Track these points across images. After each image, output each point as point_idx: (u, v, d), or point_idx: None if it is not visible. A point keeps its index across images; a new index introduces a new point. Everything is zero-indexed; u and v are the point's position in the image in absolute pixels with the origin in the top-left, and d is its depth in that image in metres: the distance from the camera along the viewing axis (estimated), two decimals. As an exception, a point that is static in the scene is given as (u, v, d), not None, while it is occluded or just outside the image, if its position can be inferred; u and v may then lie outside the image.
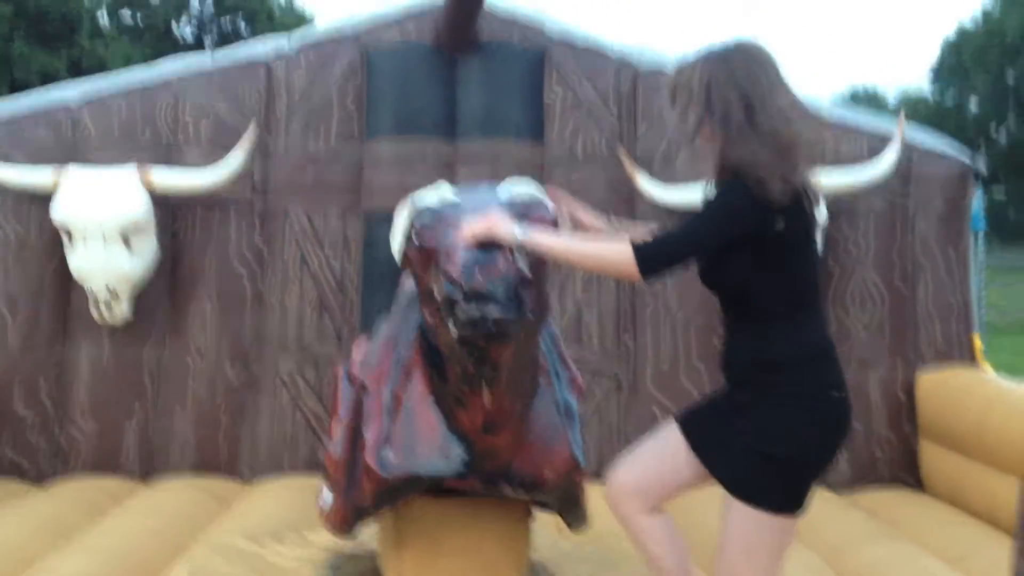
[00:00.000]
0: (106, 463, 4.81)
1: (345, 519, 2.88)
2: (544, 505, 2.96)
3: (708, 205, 2.46)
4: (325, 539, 3.57)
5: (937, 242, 5.09)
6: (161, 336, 4.91)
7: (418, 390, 2.74)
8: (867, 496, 4.79)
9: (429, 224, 2.55)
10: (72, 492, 4.45)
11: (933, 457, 4.78)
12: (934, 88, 42.81)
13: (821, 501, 4.54)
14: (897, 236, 5.08)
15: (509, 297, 2.30)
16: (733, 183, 2.40)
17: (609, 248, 2.41)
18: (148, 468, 4.85)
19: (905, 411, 4.97)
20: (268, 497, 4.43)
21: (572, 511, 2.93)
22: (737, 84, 2.40)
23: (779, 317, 2.48)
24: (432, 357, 2.68)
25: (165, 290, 4.90)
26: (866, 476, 4.94)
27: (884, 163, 4.85)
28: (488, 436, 2.62)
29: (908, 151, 5.04)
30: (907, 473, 4.94)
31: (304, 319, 4.96)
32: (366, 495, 2.76)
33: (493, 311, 2.28)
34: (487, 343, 2.35)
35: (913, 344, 5.03)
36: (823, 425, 2.44)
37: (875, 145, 5.03)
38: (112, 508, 4.27)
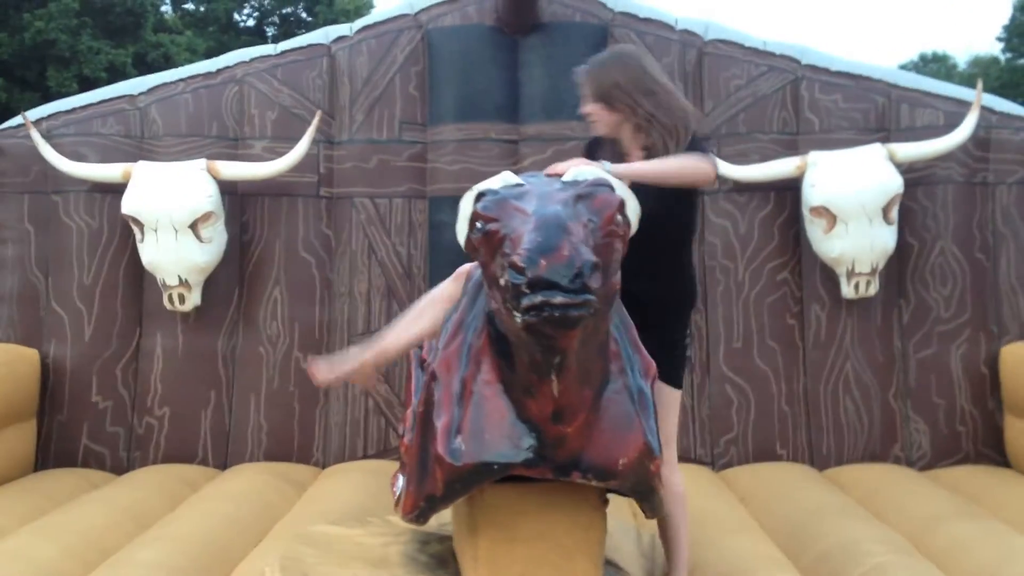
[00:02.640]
0: (182, 452, 4.89)
1: (416, 507, 2.87)
2: (619, 492, 2.92)
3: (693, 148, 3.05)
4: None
5: (1018, 211, 4.91)
6: (233, 325, 4.97)
7: (487, 378, 2.71)
8: (950, 472, 4.67)
9: (492, 209, 2.51)
10: (150, 481, 4.53)
11: (1019, 432, 4.62)
12: (1005, 50, 41.55)
13: (904, 478, 4.47)
14: (977, 206, 4.91)
15: (574, 283, 2.26)
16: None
17: (688, 161, 2.97)
18: (223, 456, 4.92)
19: (989, 386, 4.82)
20: (343, 482, 4.45)
21: (648, 498, 2.88)
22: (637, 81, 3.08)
23: (687, 261, 3.23)
24: (500, 345, 2.65)
25: (236, 280, 4.96)
26: (949, 452, 4.81)
27: (962, 131, 4.69)
28: (558, 425, 2.58)
29: (985, 118, 4.87)
30: (992, 449, 4.80)
31: (372, 305, 4.97)
32: (437, 484, 2.75)
33: (558, 298, 2.24)
34: (553, 331, 2.31)
35: (996, 317, 4.87)
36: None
37: (952, 113, 4.87)
38: (190, 496, 4.33)
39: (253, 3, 35.84)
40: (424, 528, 3.51)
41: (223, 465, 4.88)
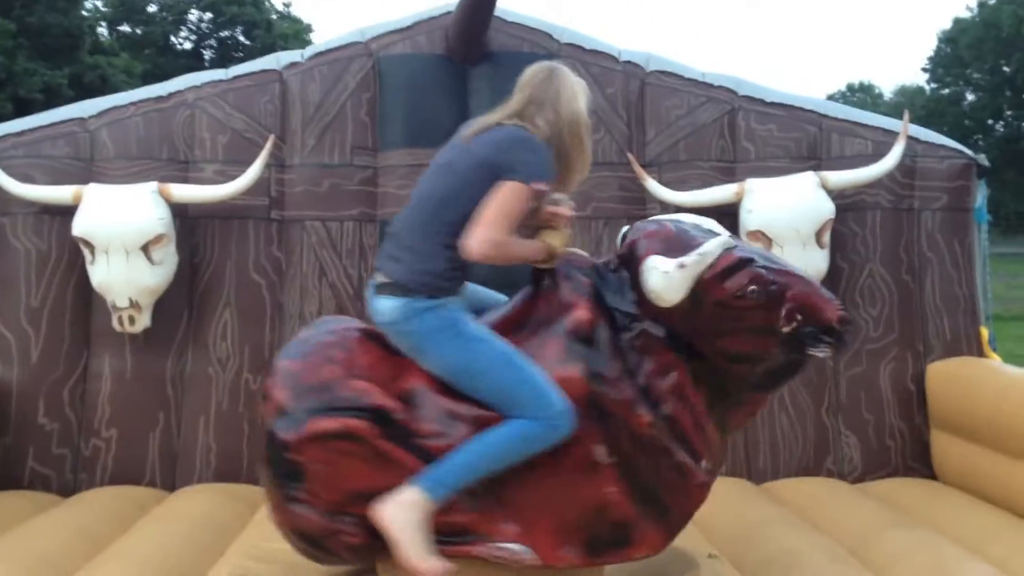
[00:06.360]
0: (130, 474, 4.89)
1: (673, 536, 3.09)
2: None
3: None
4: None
5: (943, 236, 5.16)
6: (182, 347, 4.99)
7: (702, 408, 3.09)
8: (881, 485, 4.88)
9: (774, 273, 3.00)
10: (99, 503, 4.52)
11: (945, 446, 4.86)
12: (930, 81, 42.94)
13: (837, 491, 4.66)
14: (903, 231, 5.16)
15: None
16: None
17: None
18: (171, 478, 4.92)
19: (916, 402, 5.05)
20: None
21: None
22: None
23: None
24: (707, 377, 3.13)
25: (185, 302, 4.99)
26: (880, 466, 5.03)
27: (889, 159, 4.93)
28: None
29: (912, 147, 5.12)
30: (919, 462, 5.02)
31: (323, 327, 5.03)
32: (697, 505, 3.16)
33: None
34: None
35: (922, 336, 5.11)
36: None
37: (880, 142, 5.11)
38: (140, 517, 4.34)
39: (191, 26, 35.64)
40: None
41: (171, 487, 4.89)
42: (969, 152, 5.27)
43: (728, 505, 4.32)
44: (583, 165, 3.16)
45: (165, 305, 4.89)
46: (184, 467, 4.93)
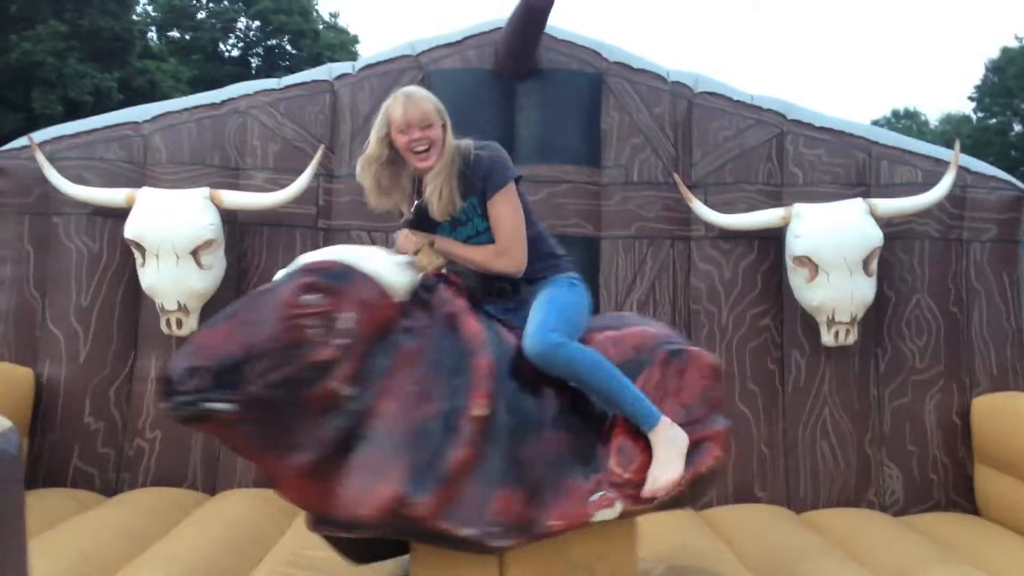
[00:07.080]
0: (172, 475, 4.94)
1: None
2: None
3: None
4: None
5: (991, 268, 5.11)
6: (227, 352, 5.03)
7: None
8: (923, 519, 4.81)
9: None
10: (141, 503, 4.58)
11: (988, 481, 4.79)
12: (977, 110, 42.46)
13: (878, 523, 4.61)
14: (952, 262, 5.11)
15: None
16: None
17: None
18: (212, 481, 4.97)
19: (960, 435, 4.99)
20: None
21: (429, 541, 2.88)
22: None
23: None
24: None
25: (231, 307, 5.03)
26: (922, 499, 4.97)
27: (939, 189, 4.89)
28: (279, 488, 2.75)
29: (962, 177, 5.07)
30: (962, 496, 4.96)
31: (365, 337, 5.06)
32: None
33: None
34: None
35: (968, 369, 5.05)
36: None
37: (929, 171, 5.07)
38: (182, 519, 4.39)
39: (239, 34, 36.07)
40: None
41: (212, 490, 4.94)
42: (1020, 184, 5.21)
43: (768, 534, 4.29)
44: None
45: (212, 309, 4.92)
46: (225, 471, 4.98)
